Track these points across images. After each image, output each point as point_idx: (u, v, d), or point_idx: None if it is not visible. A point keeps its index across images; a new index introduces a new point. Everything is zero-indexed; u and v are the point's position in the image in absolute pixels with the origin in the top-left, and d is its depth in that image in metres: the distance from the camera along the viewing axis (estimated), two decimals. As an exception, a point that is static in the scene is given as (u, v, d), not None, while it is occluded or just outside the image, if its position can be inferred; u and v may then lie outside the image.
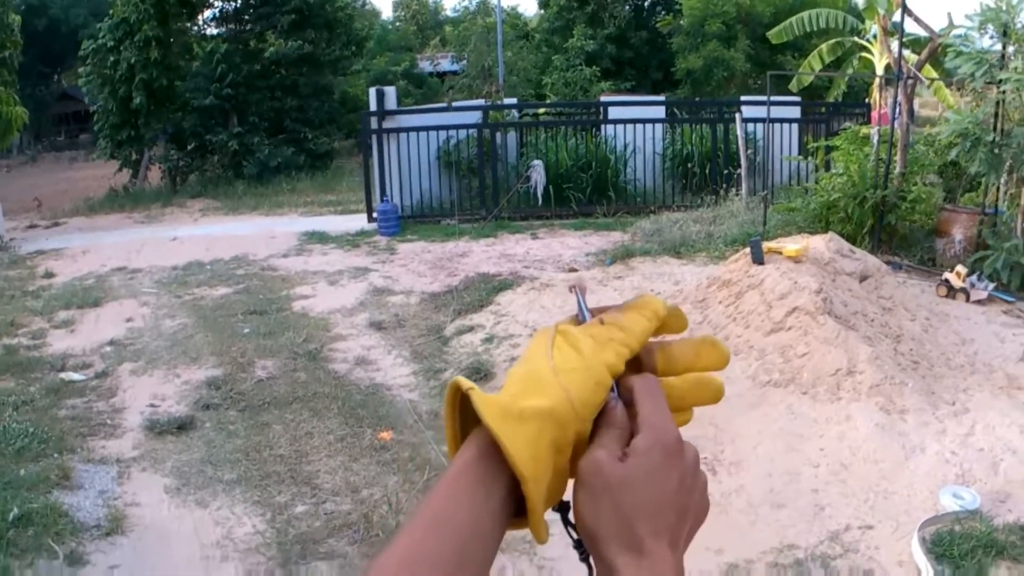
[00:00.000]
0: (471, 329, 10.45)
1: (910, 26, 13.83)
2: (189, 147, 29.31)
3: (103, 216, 22.97)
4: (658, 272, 12.35)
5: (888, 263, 10.64)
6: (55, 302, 12.67)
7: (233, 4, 30.49)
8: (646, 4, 38.55)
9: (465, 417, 0.87)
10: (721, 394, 0.96)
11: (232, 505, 6.59)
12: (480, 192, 18.82)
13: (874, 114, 17.81)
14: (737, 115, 17.22)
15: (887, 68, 18.21)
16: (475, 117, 19.81)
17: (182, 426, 8.03)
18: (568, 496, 0.89)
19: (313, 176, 27.90)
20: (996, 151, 10.79)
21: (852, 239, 11.12)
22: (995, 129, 10.90)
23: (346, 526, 6.19)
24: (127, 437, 7.91)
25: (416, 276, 13.48)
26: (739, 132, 16.75)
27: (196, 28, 30.90)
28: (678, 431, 0.87)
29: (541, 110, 25.20)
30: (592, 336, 0.89)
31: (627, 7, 37.48)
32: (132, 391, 9.06)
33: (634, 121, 18.97)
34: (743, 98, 22.18)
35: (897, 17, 13.94)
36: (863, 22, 22.31)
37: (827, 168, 15.12)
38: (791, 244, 9.19)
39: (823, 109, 23.24)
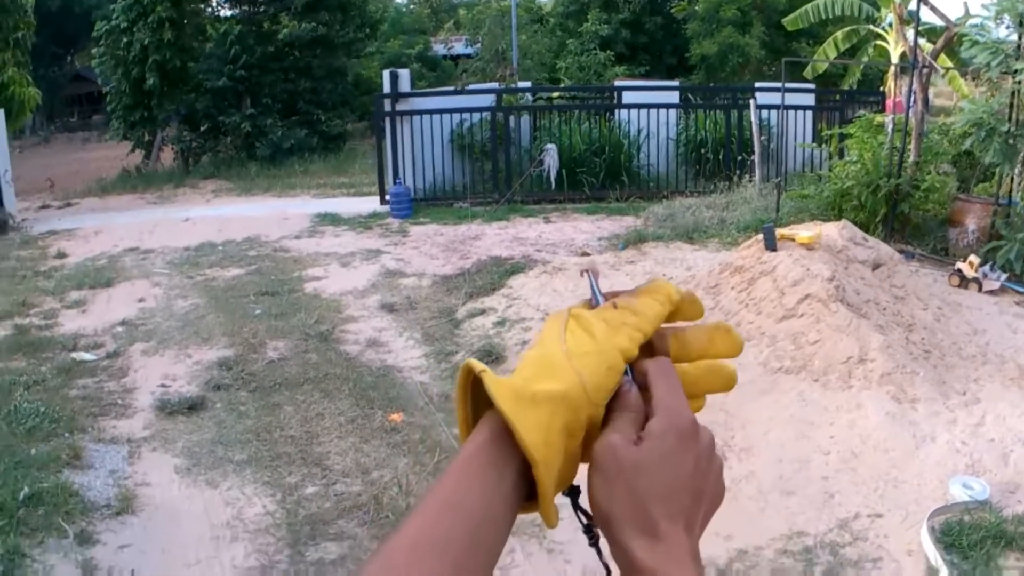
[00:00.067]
0: (483, 312, 10.44)
1: (926, 15, 13.82)
2: (202, 128, 29.26)
3: (115, 197, 22.97)
4: (670, 257, 12.33)
5: (901, 252, 10.61)
6: (67, 282, 12.69)
7: (247, -14, 30.47)
8: (661, -11, 38.42)
9: (477, 400, 0.87)
10: (734, 382, 0.95)
11: (242, 485, 6.61)
12: (493, 175, 18.80)
13: (889, 102, 17.73)
14: (751, 101, 17.18)
15: (902, 56, 18.17)
16: (489, 100, 19.77)
17: (193, 406, 8.04)
18: (578, 480, 0.89)
19: (326, 158, 27.83)
20: (1011, 141, 10.74)
21: (865, 227, 11.08)
22: (1010, 119, 10.84)
23: (356, 507, 6.20)
24: (138, 417, 7.93)
25: (428, 259, 13.48)
26: (753, 118, 16.71)
27: (209, 9, 30.80)
28: (693, 414, 0.86)
29: (555, 94, 25.15)
30: (605, 320, 0.88)
31: (642, -8, 37.35)
32: (143, 371, 9.08)
33: (648, 106, 18.94)
34: (757, 84, 22.09)
35: (913, 5, 13.87)
36: (878, 10, 22.25)
37: (841, 156, 15.07)
38: (804, 231, 9.17)
39: (837, 97, 23.15)
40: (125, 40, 25.50)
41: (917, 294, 8.93)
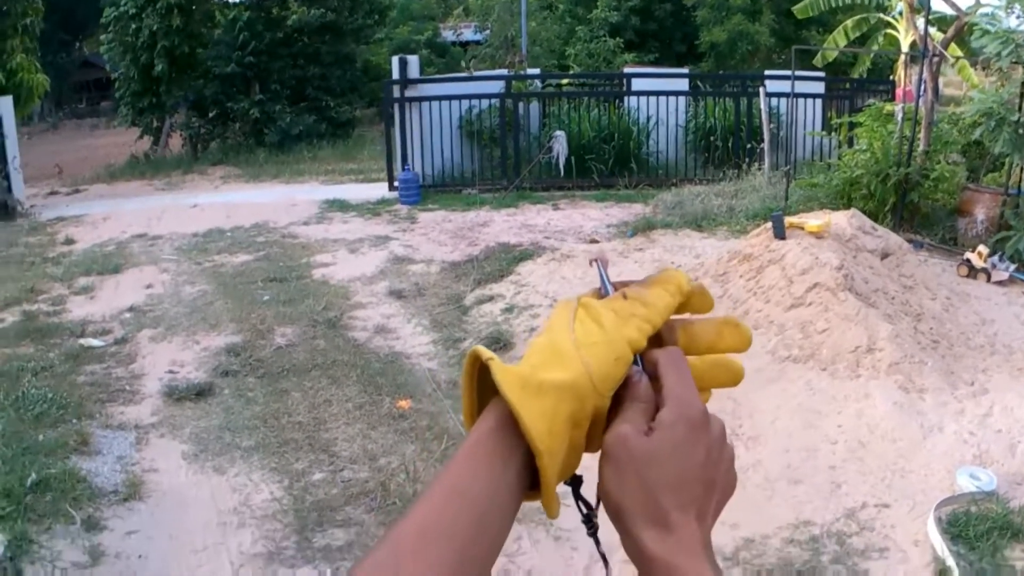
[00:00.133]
0: (491, 299, 10.45)
1: (936, 3, 13.78)
2: (210, 115, 29.21)
3: (124, 183, 22.98)
4: (679, 245, 12.32)
5: (910, 241, 10.58)
6: (75, 268, 12.71)
7: (256, -28, 30.39)
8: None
9: (483, 387, 0.87)
10: (740, 377, 0.95)
11: (250, 472, 6.63)
12: (502, 162, 18.77)
13: (898, 91, 17.70)
14: (761, 89, 17.12)
15: (912, 45, 18.08)
16: (498, 87, 19.74)
17: (200, 392, 8.06)
18: (581, 470, 0.89)
19: (334, 144, 27.79)
20: (1020, 131, 10.69)
21: (874, 216, 11.06)
22: (1020, 109, 10.80)
23: (363, 494, 6.21)
24: (145, 403, 7.95)
25: (436, 245, 13.48)
26: (762, 106, 16.67)
27: (218, -4, 30.84)
28: (703, 404, 0.86)
29: (564, 81, 25.09)
30: (614, 311, 0.88)
31: (652, -21, 37.28)
32: (151, 357, 9.10)
33: (657, 93, 18.90)
34: (767, 72, 22.04)
35: (924, -6, 13.84)
36: (889, -1, 22.18)
37: (850, 144, 15.03)
38: (813, 220, 9.15)
39: (847, 85, 23.10)
40: (134, 26, 25.45)
41: (926, 284, 8.92)
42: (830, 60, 24.63)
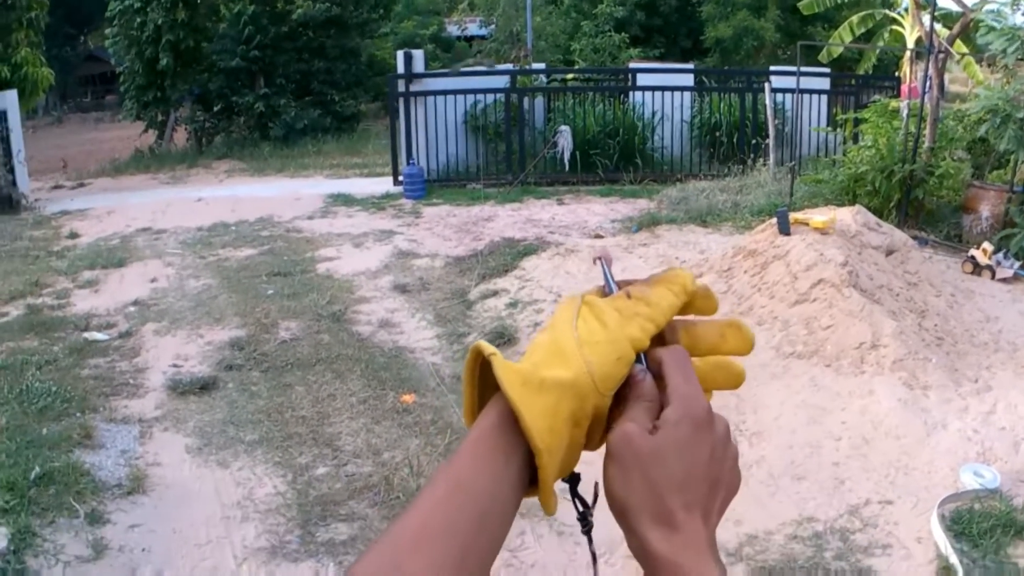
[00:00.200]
0: (495, 293, 10.44)
1: (942, 0, 13.69)
2: (215, 108, 29.28)
3: (128, 177, 23.02)
4: (684, 240, 12.30)
5: (914, 238, 10.58)
6: (79, 262, 12.72)
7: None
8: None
9: (485, 383, 0.87)
10: (742, 380, 0.95)
11: (253, 466, 6.63)
12: (507, 157, 18.78)
13: (904, 87, 17.65)
14: (766, 85, 17.10)
15: (918, 42, 18.06)
16: (503, 82, 19.74)
17: (205, 386, 8.06)
18: (579, 468, 0.89)
19: (339, 138, 27.85)
20: (1026, 128, 10.70)
21: (879, 212, 11.05)
22: (1025, 106, 10.80)
23: (367, 488, 6.22)
24: (149, 397, 7.95)
25: (441, 240, 13.48)
26: (768, 102, 16.65)
27: (223, -11, 30.86)
28: (708, 403, 0.86)
29: (569, 76, 25.09)
30: (618, 309, 0.88)
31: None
32: (155, 351, 9.11)
33: (662, 88, 18.87)
34: (772, 68, 22.04)
35: (930, -10, 13.82)
36: (895, -5, 22.16)
37: (855, 140, 15.02)
38: (818, 215, 9.14)
39: (853, 81, 23.09)
40: (139, 20, 25.49)
41: (930, 280, 8.91)
42: (835, 56, 24.63)
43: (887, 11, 23.80)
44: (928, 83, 12.29)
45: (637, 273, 0.82)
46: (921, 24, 13.99)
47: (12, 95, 18.97)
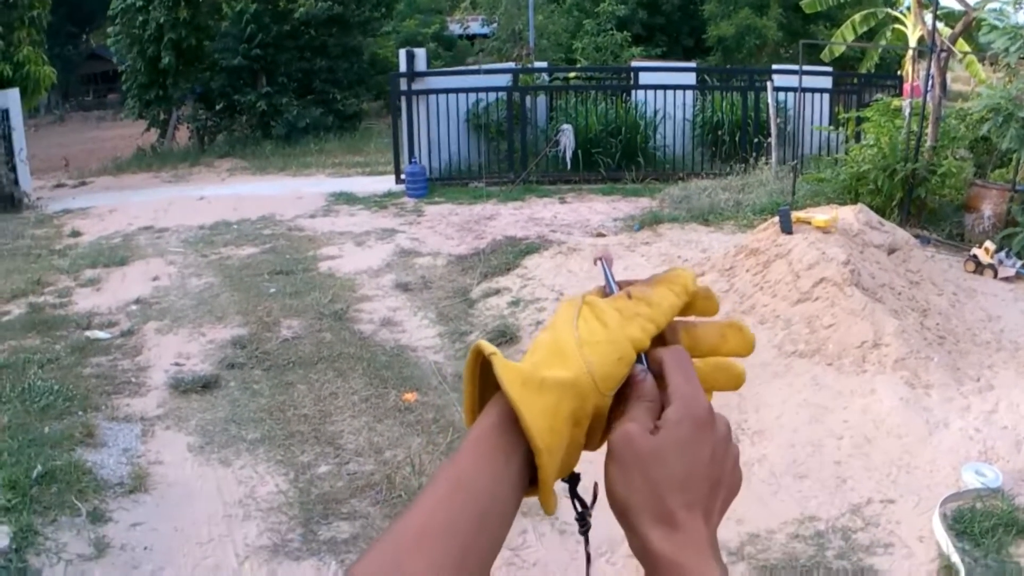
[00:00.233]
0: (497, 292, 10.45)
1: (945, -1, 13.68)
2: (217, 107, 29.27)
3: (130, 175, 23.04)
4: (686, 239, 12.30)
5: (916, 237, 10.57)
6: (81, 261, 12.73)
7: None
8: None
9: (486, 382, 0.87)
10: (742, 381, 0.95)
11: (255, 464, 6.63)
12: (509, 155, 18.78)
13: (906, 86, 17.66)
14: (768, 84, 17.12)
15: (920, 40, 18.04)
16: (505, 80, 19.73)
17: (206, 385, 8.07)
18: (579, 468, 0.89)
19: (341, 137, 27.85)
20: (1028, 127, 10.69)
21: (881, 211, 11.05)
22: (1028, 105, 10.79)
23: (369, 487, 6.22)
24: (151, 395, 7.96)
25: (443, 238, 13.48)
26: (770, 101, 16.65)
27: (226, -12, 30.86)
28: (709, 403, 0.86)
29: (571, 74, 25.08)
30: (619, 310, 0.88)
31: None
32: (157, 349, 9.11)
33: (664, 87, 18.86)
34: (774, 67, 22.03)
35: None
36: (897, -7, 22.16)
37: (857, 139, 15.01)
38: (820, 214, 9.13)
39: (855, 80, 23.07)
40: (141, 18, 25.49)
41: (932, 279, 8.90)
42: (838, 55, 24.63)
43: (889, 10, 23.79)
44: (930, 82, 12.28)
45: (639, 272, 0.82)
46: (923, 23, 13.96)
47: (14, 93, 18.97)
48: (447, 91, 18.46)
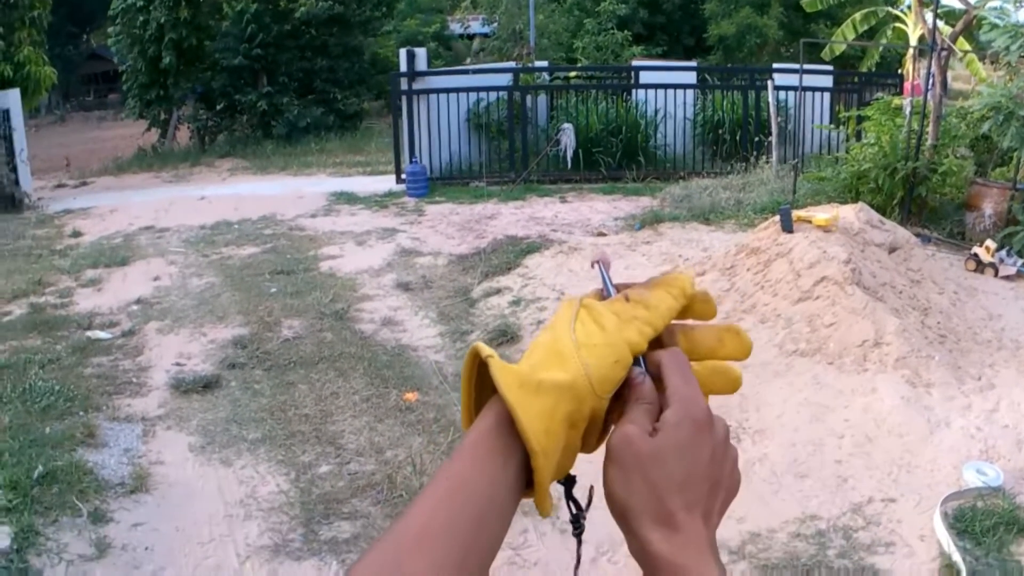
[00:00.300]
0: (498, 291, 10.45)
1: (945, -3, 13.68)
2: (218, 107, 29.27)
3: (131, 175, 23.03)
4: (687, 238, 12.30)
5: (917, 235, 10.57)
6: (82, 261, 12.73)
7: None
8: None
9: (483, 384, 0.87)
10: (738, 385, 0.95)
11: (256, 464, 6.63)
12: (509, 155, 18.78)
13: (907, 85, 17.63)
14: (769, 82, 17.10)
15: (921, 39, 18.03)
16: (506, 79, 19.72)
17: (207, 385, 8.07)
18: (575, 471, 0.89)
19: (342, 137, 27.85)
20: (1029, 126, 10.69)
21: (882, 210, 11.04)
22: (1029, 104, 10.79)
23: (370, 486, 6.22)
24: (152, 395, 7.96)
25: (444, 238, 13.48)
26: (771, 100, 16.64)
27: (226, -12, 30.85)
28: (707, 405, 0.86)
29: (572, 73, 25.08)
30: (616, 313, 0.88)
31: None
32: (158, 350, 9.11)
33: (665, 86, 18.86)
34: (775, 65, 21.98)
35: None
36: (897, -8, 22.15)
37: (858, 138, 15.01)
38: (821, 213, 9.13)
39: (855, 79, 23.04)
40: (141, 18, 25.49)
41: (933, 278, 8.90)
42: (838, 54, 24.60)
43: (890, 8, 23.75)
44: (931, 80, 12.28)
45: (640, 271, 0.83)
46: (924, 21, 13.96)
47: (15, 94, 18.97)
48: (448, 90, 18.45)
